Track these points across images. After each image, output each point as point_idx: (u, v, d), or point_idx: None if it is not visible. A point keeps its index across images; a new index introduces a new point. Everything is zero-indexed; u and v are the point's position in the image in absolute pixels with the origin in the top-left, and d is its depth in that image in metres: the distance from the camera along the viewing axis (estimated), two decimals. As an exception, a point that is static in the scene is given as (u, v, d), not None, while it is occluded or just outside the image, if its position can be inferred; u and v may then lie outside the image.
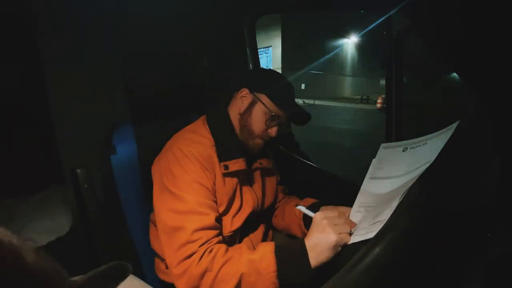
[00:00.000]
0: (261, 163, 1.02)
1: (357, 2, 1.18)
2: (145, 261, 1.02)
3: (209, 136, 0.92)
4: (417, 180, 0.61)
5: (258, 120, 0.91)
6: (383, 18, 1.02)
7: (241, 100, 0.94)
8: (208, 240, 0.75)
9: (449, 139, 0.63)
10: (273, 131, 0.93)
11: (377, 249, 0.46)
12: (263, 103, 0.91)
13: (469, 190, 0.83)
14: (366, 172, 0.79)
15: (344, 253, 0.70)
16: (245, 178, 0.97)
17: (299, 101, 15.88)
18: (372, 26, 1.19)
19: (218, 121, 0.95)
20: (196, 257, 0.72)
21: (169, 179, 0.82)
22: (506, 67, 0.62)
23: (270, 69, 1.09)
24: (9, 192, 1.20)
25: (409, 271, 0.56)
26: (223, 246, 0.76)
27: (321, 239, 0.70)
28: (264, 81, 0.95)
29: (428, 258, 0.63)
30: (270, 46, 17.65)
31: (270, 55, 17.72)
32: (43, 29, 1.01)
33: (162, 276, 0.95)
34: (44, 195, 1.26)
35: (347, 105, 15.00)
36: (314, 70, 19.20)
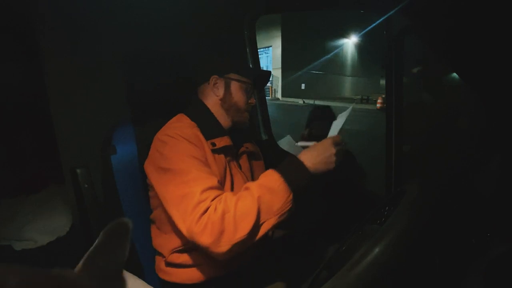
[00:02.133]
0: (247, 148, 1.06)
1: (357, 2, 1.18)
2: (145, 261, 1.02)
3: (190, 121, 0.96)
4: (417, 180, 0.62)
5: (240, 96, 1.00)
6: (383, 18, 1.02)
7: (215, 87, 0.99)
8: (216, 196, 0.78)
9: (449, 140, 0.63)
10: (252, 100, 1.03)
11: (377, 249, 0.46)
12: (235, 80, 0.99)
13: (469, 190, 0.83)
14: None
15: (344, 252, 0.70)
16: (233, 159, 0.99)
17: (299, 101, 15.89)
18: (372, 26, 1.19)
19: (196, 109, 1.00)
20: (211, 209, 0.75)
21: (163, 161, 0.84)
22: (506, 67, 0.62)
23: (213, 52, 1.15)
24: (10, 192, 1.20)
25: (409, 271, 0.56)
26: (229, 193, 0.80)
27: (316, 147, 0.84)
28: (224, 63, 1.01)
29: (428, 258, 0.63)
30: (270, 46, 17.65)
31: (270, 55, 17.73)
32: (43, 28, 1.01)
33: (162, 276, 0.95)
34: (44, 195, 1.26)
35: (347, 105, 14.97)
36: (314, 70, 19.19)
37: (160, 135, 0.91)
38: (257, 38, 1.52)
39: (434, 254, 0.64)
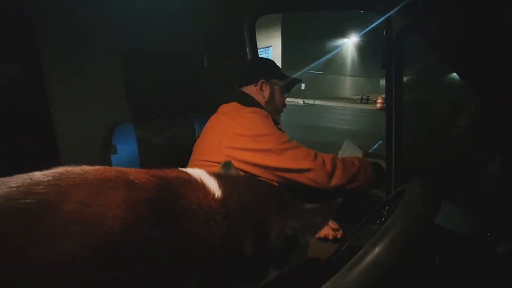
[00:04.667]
0: None
1: (357, 2, 1.18)
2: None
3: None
4: (417, 180, 0.62)
5: (280, 98, 1.14)
6: (383, 18, 1.02)
7: (262, 90, 1.10)
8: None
9: (450, 139, 0.63)
10: (284, 101, 1.19)
11: (377, 249, 0.46)
12: (278, 85, 1.12)
13: (469, 190, 0.83)
14: None
15: (344, 252, 0.70)
16: None
17: (299, 101, 15.89)
18: (372, 26, 1.19)
19: (254, 102, 1.09)
20: (319, 153, 0.95)
21: (260, 128, 0.94)
22: (506, 67, 0.62)
23: (260, 57, 1.30)
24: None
25: (409, 271, 0.56)
26: None
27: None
28: (270, 68, 1.14)
29: (428, 258, 0.63)
30: (270, 46, 17.65)
31: (270, 55, 17.72)
32: (43, 28, 1.01)
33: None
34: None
35: (347, 105, 15.00)
36: (314, 70, 19.20)
37: (242, 113, 0.98)
38: (257, 38, 1.52)
39: (434, 254, 0.64)
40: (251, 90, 1.10)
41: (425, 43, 0.82)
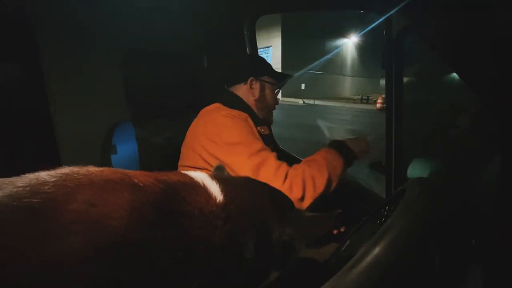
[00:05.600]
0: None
1: (357, 2, 1.18)
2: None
3: (238, 110, 1.03)
4: (417, 180, 0.62)
5: (271, 96, 1.11)
6: (383, 18, 1.02)
7: (252, 88, 1.07)
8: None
9: (450, 140, 0.63)
10: (277, 98, 1.16)
11: (377, 249, 0.46)
12: (268, 82, 1.09)
13: (469, 190, 0.83)
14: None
15: (344, 252, 0.71)
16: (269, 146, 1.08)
17: (299, 101, 15.89)
18: (372, 26, 1.19)
19: (237, 102, 1.06)
20: (291, 171, 0.87)
21: (229, 136, 0.90)
22: (506, 67, 0.62)
23: (248, 54, 1.29)
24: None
25: (409, 271, 0.56)
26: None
27: (357, 139, 0.99)
28: (259, 65, 1.12)
29: (428, 258, 0.63)
30: (270, 46, 17.65)
31: (270, 55, 17.72)
32: (43, 28, 1.01)
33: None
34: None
35: (347, 105, 14.99)
36: (314, 70, 19.19)
37: (215, 116, 0.96)
38: (257, 38, 1.52)
39: (434, 254, 0.64)
40: (240, 89, 1.08)
41: (425, 43, 0.82)
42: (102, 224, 0.34)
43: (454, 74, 0.83)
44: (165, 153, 1.19)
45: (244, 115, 1.00)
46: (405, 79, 1.11)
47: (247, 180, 0.59)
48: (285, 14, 14.88)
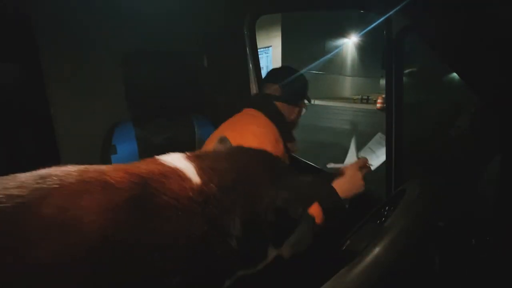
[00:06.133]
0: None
1: (357, 2, 1.18)
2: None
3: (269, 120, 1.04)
4: (417, 180, 0.62)
5: (300, 116, 1.17)
6: (383, 18, 1.02)
7: (294, 109, 1.11)
8: None
9: (450, 140, 0.63)
10: None
11: (377, 249, 0.46)
12: (304, 105, 1.16)
13: (469, 190, 0.83)
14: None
15: (344, 252, 0.70)
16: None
17: (299, 101, 15.84)
18: (372, 26, 1.19)
19: (276, 116, 1.07)
20: None
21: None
22: (506, 67, 0.62)
23: (300, 74, 1.23)
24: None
25: (409, 271, 0.56)
26: None
27: (345, 175, 0.87)
28: (307, 89, 1.17)
29: (428, 258, 0.63)
30: (270, 46, 17.64)
31: (270, 55, 17.71)
32: (43, 28, 1.01)
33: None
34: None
35: (347, 105, 14.97)
36: (314, 70, 19.18)
37: (249, 124, 0.97)
38: (257, 38, 1.52)
39: (434, 254, 0.64)
40: (283, 106, 1.09)
41: (425, 43, 0.82)
42: (74, 229, 0.34)
43: (454, 74, 0.83)
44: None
45: (277, 134, 1.01)
46: (405, 79, 1.11)
47: (233, 151, 0.54)
48: (285, 14, 14.86)
